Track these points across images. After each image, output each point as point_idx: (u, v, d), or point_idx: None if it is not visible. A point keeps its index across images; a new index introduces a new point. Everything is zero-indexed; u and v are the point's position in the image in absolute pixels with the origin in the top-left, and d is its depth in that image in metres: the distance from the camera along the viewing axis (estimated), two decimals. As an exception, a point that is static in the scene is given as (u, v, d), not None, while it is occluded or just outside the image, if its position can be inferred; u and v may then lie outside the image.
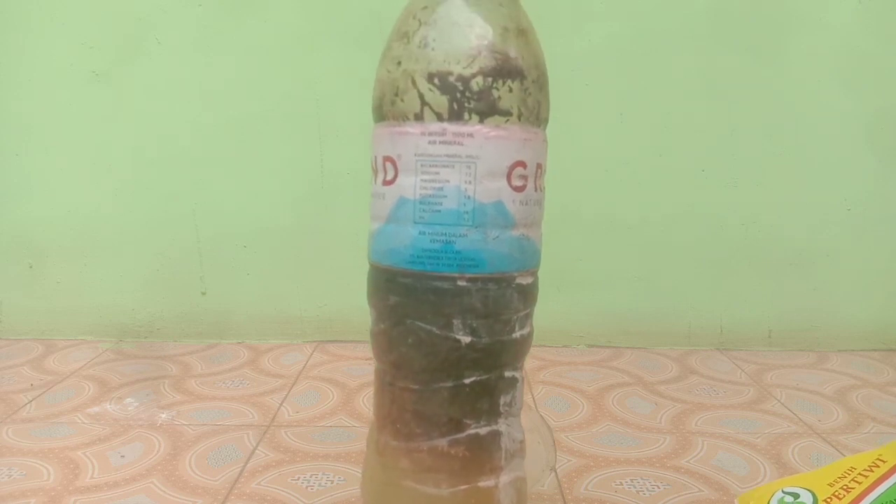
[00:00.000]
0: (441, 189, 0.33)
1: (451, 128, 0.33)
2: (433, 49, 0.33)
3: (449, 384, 0.36)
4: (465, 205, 0.33)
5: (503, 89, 0.33)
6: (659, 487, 0.51)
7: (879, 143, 0.82)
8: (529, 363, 0.78)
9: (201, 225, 0.84)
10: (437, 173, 0.33)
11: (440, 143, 0.33)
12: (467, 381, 0.36)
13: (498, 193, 0.34)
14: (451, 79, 0.33)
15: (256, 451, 0.56)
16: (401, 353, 0.37)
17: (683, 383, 0.73)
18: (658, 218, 0.83)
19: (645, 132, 0.82)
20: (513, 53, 0.33)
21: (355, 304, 0.85)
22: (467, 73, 0.33)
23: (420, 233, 0.34)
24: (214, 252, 0.84)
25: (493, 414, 0.37)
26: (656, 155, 0.82)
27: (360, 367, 0.76)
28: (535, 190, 0.36)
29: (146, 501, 0.49)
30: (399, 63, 0.34)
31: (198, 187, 0.83)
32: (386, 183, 0.35)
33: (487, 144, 0.33)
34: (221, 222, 0.84)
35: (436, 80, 0.33)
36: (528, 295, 0.37)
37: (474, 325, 0.35)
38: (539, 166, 0.36)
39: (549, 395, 0.69)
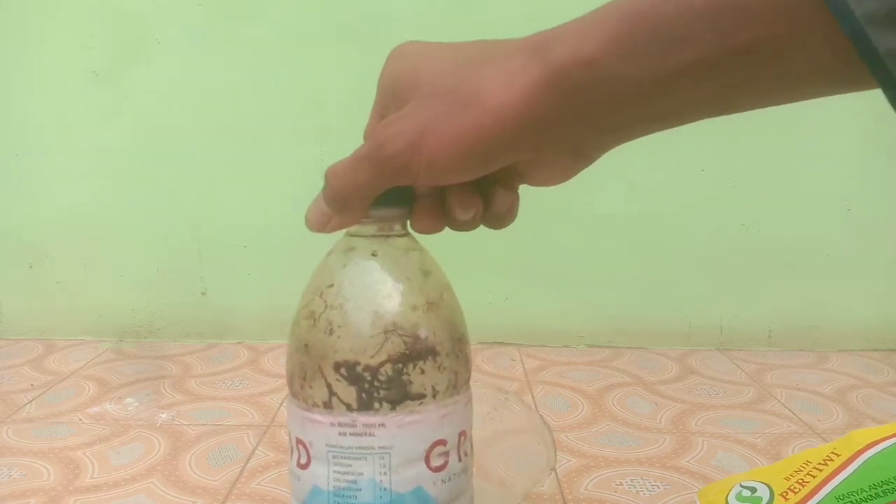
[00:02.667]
0: (355, 482, 0.31)
1: (362, 419, 0.31)
2: (339, 337, 0.31)
3: None
4: (381, 497, 0.31)
5: (414, 373, 0.31)
6: (659, 487, 0.51)
7: (879, 143, 0.82)
8: (529, 363, 0.78)
9: (201, 225, 0.84)
10: (350, 465, 0.31)
11: (351, 434, 0.31)
12: None
13: (416, 479, 0.32)
14: (359, 369, 0.31)
15: (256, 451, 0.56)
16: None
17: (683, 383, 0.73)
18: (658, 218, 0.83)
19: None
20: (423, 333, 0.31)
21: (355, 304, 0.86)
22: (374, 362, 0.31)
23: None
24: (214, 252, 0.84)
25: None
26: (656, 155, 0.82)
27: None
28: (459, 460, 0.33)
29: (146, 501, 0.49)
30: (306, 346, 0.32)
31: (198, 187, 0.83)
32: (300, 466, 0.33)
33: (401, 433, 0.31)
34: (221, 222, 0.84)
35: (343, 371, 0.31)
36: None
37: None
38: (462, 434, 0.33)
39: (549, 395, 0.69)
